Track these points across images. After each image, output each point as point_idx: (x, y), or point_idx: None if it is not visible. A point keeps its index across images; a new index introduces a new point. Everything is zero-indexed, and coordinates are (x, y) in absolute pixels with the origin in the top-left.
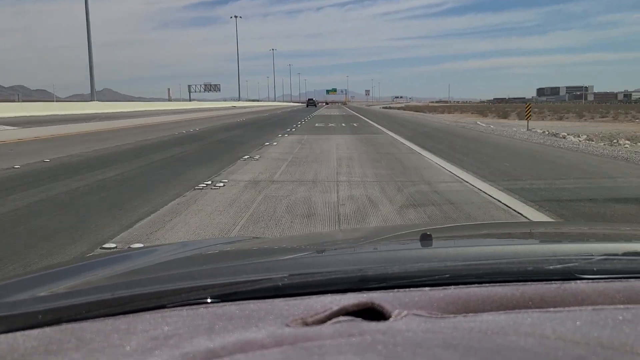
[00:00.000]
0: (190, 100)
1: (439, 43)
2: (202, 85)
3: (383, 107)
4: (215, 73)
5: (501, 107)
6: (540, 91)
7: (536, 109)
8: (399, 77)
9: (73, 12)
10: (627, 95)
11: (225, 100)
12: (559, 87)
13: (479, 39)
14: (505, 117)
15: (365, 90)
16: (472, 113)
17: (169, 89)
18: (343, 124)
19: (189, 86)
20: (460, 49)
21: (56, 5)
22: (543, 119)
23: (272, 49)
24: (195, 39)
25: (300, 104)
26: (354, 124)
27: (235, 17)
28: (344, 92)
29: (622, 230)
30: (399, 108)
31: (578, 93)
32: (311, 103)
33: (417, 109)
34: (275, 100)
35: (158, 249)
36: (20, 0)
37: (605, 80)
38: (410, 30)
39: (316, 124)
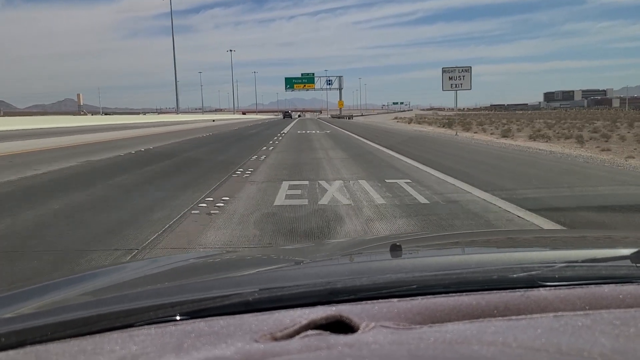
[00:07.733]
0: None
1: (416, 51)
2: None
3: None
4: (184, 82)
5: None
6: (549, 96)
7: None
8: (381, 84)
9: (30, 21)
10: None
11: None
12: (572, 91)
13: (451, 47)
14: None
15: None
16: None
17: (79, 95)
18: None
19: None
20: (436, 57)
21: (11, 14)
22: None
23: (230, 50)
24: (165, 49)
25: (268, 116)
26: None
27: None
28: (332, 84)
29: (584, 236)
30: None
31: (598, 98)
32: (287, 115)
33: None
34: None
35: (126, 266)
36: None
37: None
38: (383, 38)
39: None
